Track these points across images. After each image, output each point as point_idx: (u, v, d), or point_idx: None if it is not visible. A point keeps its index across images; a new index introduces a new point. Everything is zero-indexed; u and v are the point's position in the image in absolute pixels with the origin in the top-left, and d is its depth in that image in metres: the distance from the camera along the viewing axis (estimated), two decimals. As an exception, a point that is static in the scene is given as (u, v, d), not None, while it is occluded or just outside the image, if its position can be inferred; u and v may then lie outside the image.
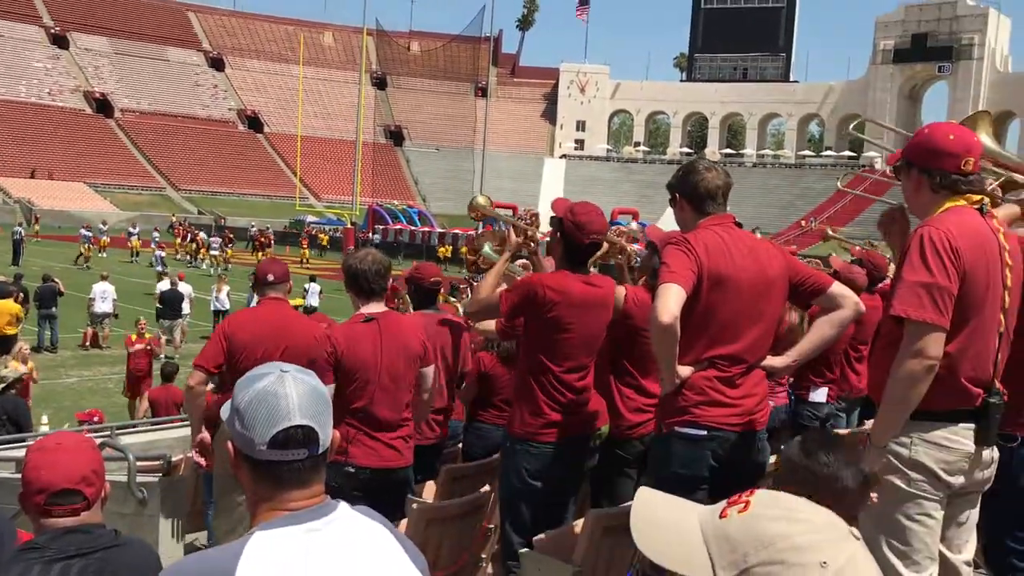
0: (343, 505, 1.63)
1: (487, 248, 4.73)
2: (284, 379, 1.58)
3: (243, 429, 1.57)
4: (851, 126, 6.60)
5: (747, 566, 1.05)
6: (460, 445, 5.97)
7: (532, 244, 4.44)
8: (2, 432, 9.92)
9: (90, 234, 37.49)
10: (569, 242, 3.85)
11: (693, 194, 3.41)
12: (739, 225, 3.40)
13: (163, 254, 33.45)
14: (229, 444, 1.63)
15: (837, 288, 3.40)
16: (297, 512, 1.56)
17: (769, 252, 3.38)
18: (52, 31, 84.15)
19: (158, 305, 19.75)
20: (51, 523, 2.16)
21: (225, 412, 1.63)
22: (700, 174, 3.41)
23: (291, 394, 1.56)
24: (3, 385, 10.32)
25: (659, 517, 1.20)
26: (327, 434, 1.61)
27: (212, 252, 37.51)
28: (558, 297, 3.75)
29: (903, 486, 2.86)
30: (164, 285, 20.54)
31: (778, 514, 1.08)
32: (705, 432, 3.21)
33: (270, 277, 5.24)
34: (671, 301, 3.04)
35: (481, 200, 4.60)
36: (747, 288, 3.23)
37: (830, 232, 10.46)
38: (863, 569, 1.04)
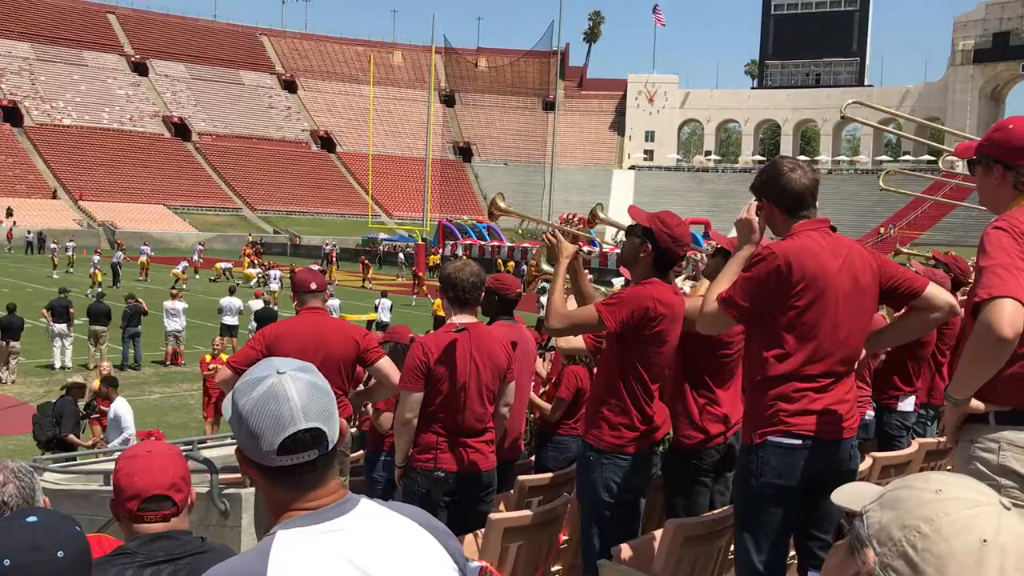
0: (364, 500, 1.60)
1: (543, 263, 4.70)
2: (283, 381, 1.53)
3: (249, 438, 1.52)
4: (843, 107, 6.11)
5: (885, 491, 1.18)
6: (533, 458, 5.96)
7: (583, 251, 4.39)
8: (48, 430, 10.68)
9: (148, 249, 40.93)
10: (662, 254, 3.79)
11: (782, 197, 3.27)
12: (833, 229, 3.28)
13: (280, 273, 34.01)
14: (236, 449, 1.59)
15: (932, 289, 3.28)
16: (318, 510, 1.53)
17: (863, 257, 3.28)
18: (132, 59, 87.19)
19: (253, 323, 20.32)
20: (143, 528, 2.22)
21: (227, 412, 1.59)
22: (785, 175, 3.25)
23: (293, 397, 1.51)
24: (63, 389, 11.30)
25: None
26: (335, 430, 1.56)
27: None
28: (667, 311, 3.71)
29: None
30: (257, 303, 21.21)
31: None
32: (799, 441, 3.13)
33: (313, 285, 5.35)
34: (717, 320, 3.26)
35: (500, 201, 4.58)
36: (844, 296, 3.15)
37: (900, 248, 10.22)
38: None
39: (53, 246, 43.08)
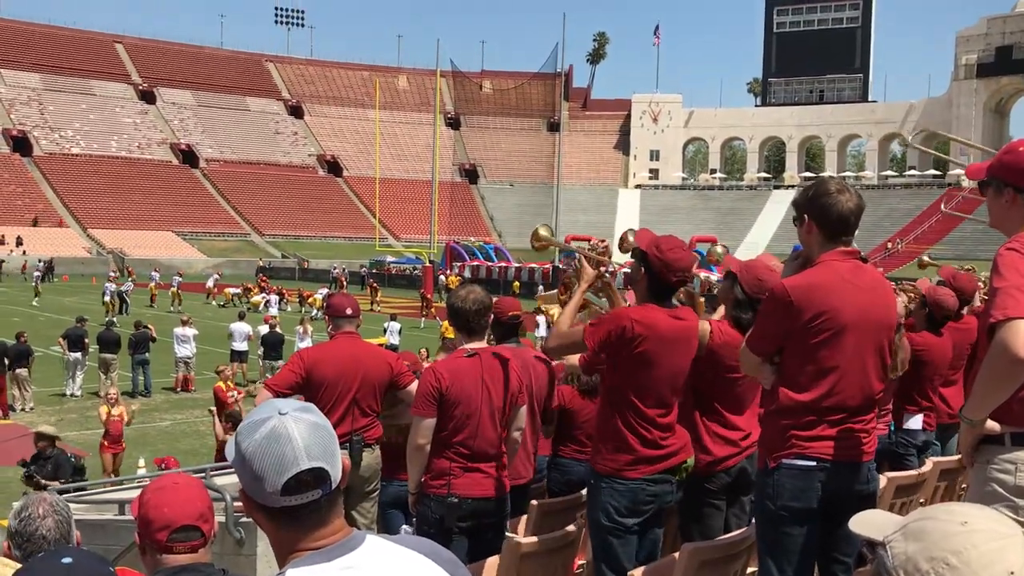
0: (371, 536, 1.60)
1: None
2: (285, 422, 1.54)
3: (253, 480, 1.53)
4: (911, 137, 6.35)
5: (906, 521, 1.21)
6: (545, 481, 5.96)
7: (607, 276, 4.42)
8: (43, 472, 10.36)
9: (157, 275, 41.91)
10: (655, 279, 3.79)
11: (824, 218, 3.21)
12: (864, 260, 3.27)
13: (275, 299, 34.33)
14: (240, 491, 1.61)
15: None
16: (325, 548, 1.54)
17: (888, 295, 3.30)
18: (140, 88, 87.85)
19: (261, 348, 20.35)
20: (170, 560, 2.23)
21: (230, 455, 1.60)
22: (832, 196, 3.19)
23: (295, 437, 1.52)
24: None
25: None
26: (338, 469, 1.58)
27: (317, 296, 38.12)
28: (646, 332, 3.69)
29: (1010, 515, 2.74)
30: (265, 328, 21.28)
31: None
32: (814, 463, 3.13)
33: (348, 311, 5.42)
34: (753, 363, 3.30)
35: (543, 231, 4.63)
36: (861, 332, 3.16)
37: (925, 259, 10.15)
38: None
39: (37, 274, 43.41)
